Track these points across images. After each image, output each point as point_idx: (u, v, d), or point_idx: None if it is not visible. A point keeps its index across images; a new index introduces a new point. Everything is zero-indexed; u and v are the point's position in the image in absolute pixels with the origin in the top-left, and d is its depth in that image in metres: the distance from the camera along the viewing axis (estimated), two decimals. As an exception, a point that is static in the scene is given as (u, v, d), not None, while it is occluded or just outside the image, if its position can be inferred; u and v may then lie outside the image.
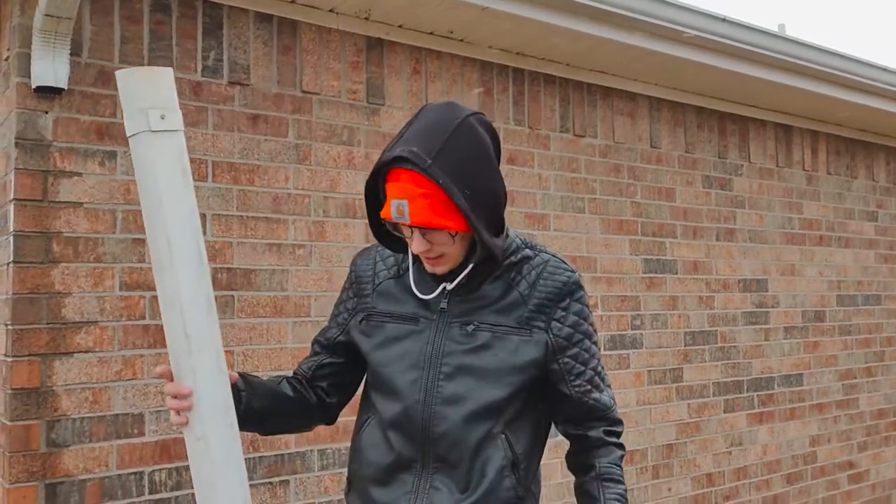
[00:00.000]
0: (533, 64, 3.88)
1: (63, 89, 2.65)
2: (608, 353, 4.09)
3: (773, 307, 4.97)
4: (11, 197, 2.60)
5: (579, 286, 1.62)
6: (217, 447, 1.47)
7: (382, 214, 1.53)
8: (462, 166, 1.47)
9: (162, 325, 2.78)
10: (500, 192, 1.55)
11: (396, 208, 1.48)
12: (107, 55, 2.77)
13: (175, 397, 1.51)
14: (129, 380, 2.73)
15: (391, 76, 3.43)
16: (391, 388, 1.60)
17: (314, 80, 3.21)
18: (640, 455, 4.20)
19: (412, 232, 1.52)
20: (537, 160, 3.90)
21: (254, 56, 3.07)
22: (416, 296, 1.61)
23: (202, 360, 1.48)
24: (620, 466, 1.66)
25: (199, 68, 2.95)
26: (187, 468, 2.79)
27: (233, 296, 2.95)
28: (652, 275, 4.33)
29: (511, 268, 1.60)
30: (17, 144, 2.59)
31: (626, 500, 1.65)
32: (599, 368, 1.65)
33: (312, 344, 1.79)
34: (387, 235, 1.62)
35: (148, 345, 2.77)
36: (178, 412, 1.51)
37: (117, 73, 1.41)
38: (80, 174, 2.69)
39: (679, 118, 4.53)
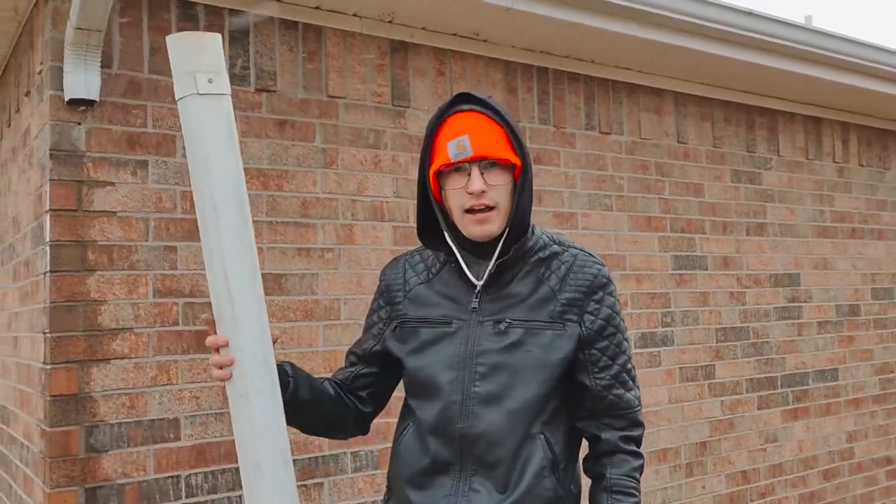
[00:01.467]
0: (557, 62, 3.87)
1: (95, 101, 2.69)
2: (638, 350, 4.07)
3: (805, 302, 4.91)
4: (47, 207, 2.65)
5: (610, 280, 1.61)
6: (257, 402, 1.49)
7: (436, 165, 1.54)
8: (512, 120, 1.58)
9: (195, 332, 2.83)
10: (531, 162, 1.60)
11: (456, 145, 1.49)
12: (136, 66, 2.81)
13: (217, 351, 1.54)
14: (164, 385, 2.77)
15: (416, 78, 3.45)
16: (428, 391, 1.59)
17: (340, 84, 3.23)
18: (674, 453, 4.17)
19: (469, 173, 1.51)
20: (563, 159, 3.89)
21: (280, 62, 3.10)
22: (447, 298, 1.61)
23: (245, 313, 1.49)
24: (634, 478, 1.61)
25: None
26: (223, 472, 2.83)
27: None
28: (682, 271, 4.30)
29: (540, 263, 1.59)
30: (51, 156, 2.64)
31: (638, 487, 1.60)
32: (629, 366, 1.62)
33: (347, 356, 1.79)
34: (428, 237, 1.65)
35: (182, 350, 2.81)
36: (219, 367, 1.53)
37: (168, 37, 1.43)
38: (112, 184, 2.74)
39: (706, 113, 4.49)
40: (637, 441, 1.63)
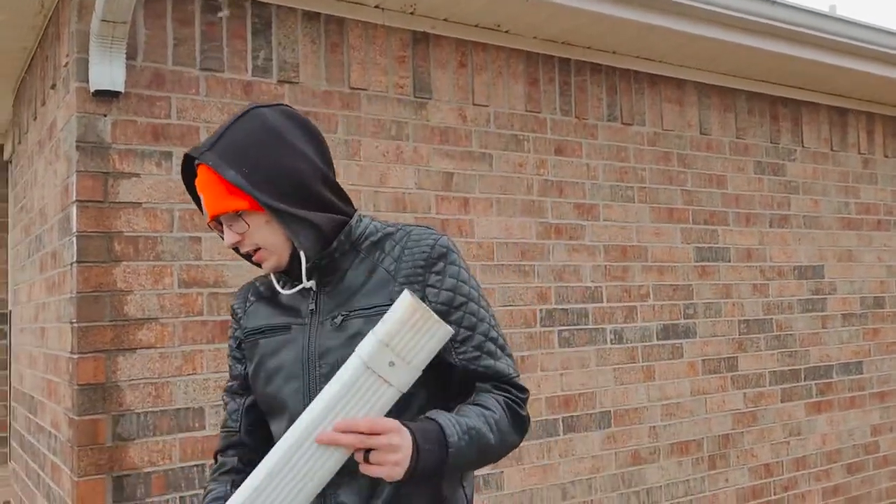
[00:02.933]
0: (579, 53, 3.85)
1: (120, 92, 2.72)
2: (661, 342, 4.05)
3: (830, 294, 4.86)
4: (74, 199, 2.68)
5: (450, 249, 1.47)
6: None
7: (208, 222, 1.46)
8: (237, 148, 1.40)
9: (220, 322, 2.85)
10: (303, 170, 1.41)
11: (204, 208, 1.42)
12: (160, 58, 2.83)
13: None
14: (189, 375, 2.80)
15: (437, 70, 3.44)
16: (275, 407, 1.47)
17: (362, 76, 3.24)
18: (696, 446, 4.15)
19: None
20: (585, 150, 3.88)
21: (302, 54, 3.11)
22: (286, 308, 1.49)
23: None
24: (505, 408, 1.43)
25: (250, 68, 3.00)
26: (247, 460, 2.85)
27: (287, 291, 3.00)
28: (704, 263, 4.27)
29: (373, 248, 1.48)
30: (77, 147, 2.67)
31: (492, 424, 1.39)
32: (493, 334, 1.46)
33: (224, 396, 1.62)
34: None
35: (206, 340, 2.83)
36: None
37: (408, 293, 1.31)
38: (138, 175, 2.76)
39: (729, 104, 4.45)
40: (516, 400, 1.46)
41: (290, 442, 1.25)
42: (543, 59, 3.77)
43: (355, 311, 1.42)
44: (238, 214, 1.40)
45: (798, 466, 4.60)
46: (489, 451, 1.38)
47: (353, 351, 1.35)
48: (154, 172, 2.79)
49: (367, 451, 1.24)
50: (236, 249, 1.49)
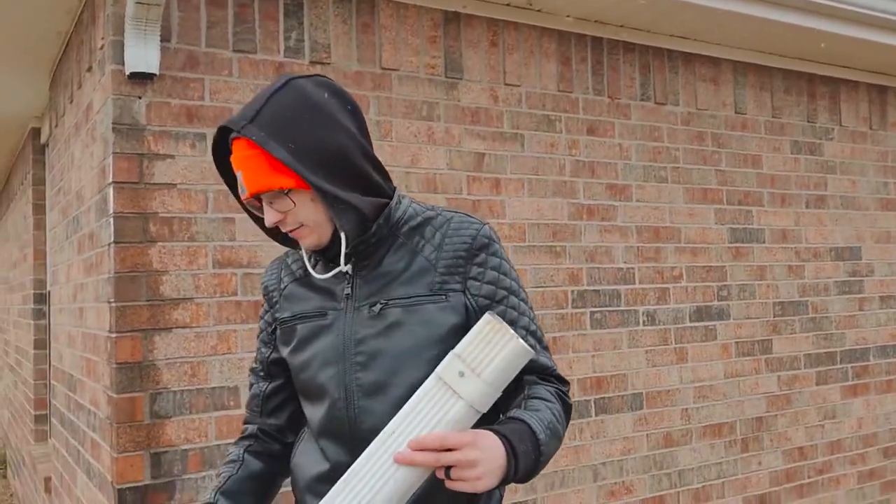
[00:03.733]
0: (611, 32, 3.81)
1: (154, 74, 2.74)
2: (693, 324, 4.02)
3: (867, 276, 4.78)
4: (110, 180, 2.71)
5: (493, 239, 1.43)
6: None
7: (241, 199, 1.40)
8: (280, 122, 1.34)
9: (253, 302, 2.88)
10: (347, 146, 1.36)
11: (240, 185, 1.36)
12: (194, 40, 2.85)
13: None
14: (224, 354, 2.83)
15: (469, 50, 3.43)
16: (313, 392, 1.45)
17: (393, 56, 3.23)
18: (729, 428, 4.12)
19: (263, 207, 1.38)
20: (618, 130, 3.84)
21: (333, 35, 3.11)
22: (321, 290, 1.45)
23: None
24: (559, 399, 1.40)
25: (282, 49, 3.00)
26: (281, 439, 2.89)
27: (320, 272, 3.02)
28: (738, 244, 4.22)
29: (412, 233, 1.43)
30: (113, 129, 2.70)
31: (559, 416, 1.36)
32: (533, 327, 1.43)
33: (249, 377, 1.63)
34: (278, 233, 1.49)
35: (241, 320, 2.87)
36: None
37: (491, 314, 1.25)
38: (172, 156, 2.79)
39: (765, 82, 4.38)
40: (562, 391, 1.43)
41: (366, 452, 1.23)
42: (576, 38, 3.73)
43: (393, 299, 1.39)
44: (284, 192, 1.35)
45: (833, 450, 4.55)
46: (559, 443, 1.36)
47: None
48: (188, 154, 2.81)
49: (449, 467, 1.19)
50: (265, 229, 1.46)
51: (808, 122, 4.56)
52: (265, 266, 2.91)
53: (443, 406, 1.20)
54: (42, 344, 5.24)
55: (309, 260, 1.48)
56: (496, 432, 1.23)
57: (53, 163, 4.48)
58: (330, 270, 1.45)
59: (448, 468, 1.19)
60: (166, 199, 2.77)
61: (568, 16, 3.64)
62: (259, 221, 1.47)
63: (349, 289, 1.43)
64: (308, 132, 1.34)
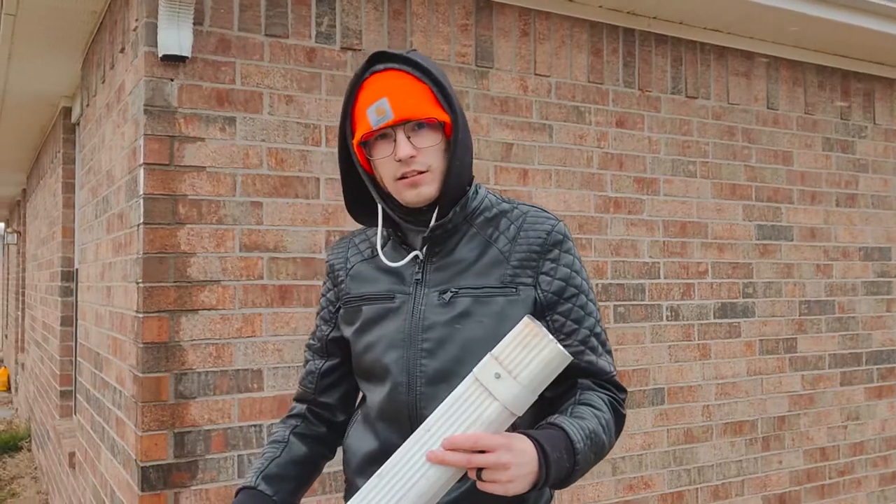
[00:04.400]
0: (644, 23, 3.77)
1: (187, 57, 2.75)
2: (717, 321, 3.99)
3: (896, 277, 4.72)
4: (141, 161, 2.73)
5: (567, 237, 1.43)
6: None
7: (359, 136, 1.37)
8: (436, 67, 1.38)
9: (279, 286, 2.89)
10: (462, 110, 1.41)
11: (376, 110, 1.33)
12: (226, 23, 2.86)
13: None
14: (248, 337, 2.86)
15: (500, 39, 3.41)
16: (374, 374, 1.45)
17: (424, 43, 3.22)
18: (750, 426, 4.10)
19: (395, 139, 1.35)
20: (647, 123, 3.81)
21: (365, 21, 3.11)
22: (389, 272, 1.45)
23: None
24: (610, 408, 1.38)
25: (313, 34, 3.00)
26: (303, 422, 2.91)
27: (345, 258, 3.03)
28: (766, 241, 4.18)
29: (487, 224, 1.43)
30: (145, 111, 2.72)
31: (606, 426, 1.34)
32: (598, 329, 1.43)
33: (305, 352, 1.62)
34: (360, 212, 1.50)
35: (266, 304, 2.88)
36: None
37: (530, 317, 1.24)
38: (202, 139, 2.80)
39: (798, 77, 4.32)
40: (617, 399, 1.42)
41: (402, 448, 1.24)
42: (608, 30, 3.69)
43: (464, 288, 1.38)
44: (435, 125, 1.36)
45: (855, 451, 4.51)
46: (603, 452, 1.35)
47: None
48: (218, 137, 2.83)
49: (481, 468, 1.19)
50: (348, 197, 1.47)
51: (842, 118, 4.49)
52: (291, 250, 2.92)
53: (478, 407, 1.20)
54: (69, 321, 5.31)
55: (380, 242, 1.48)
56: (530, 437, 1.23)
57: (84, 142, 4.52)
58: (401, 253, 1.44)
59: (480, 469, 1.18)
60: (196, 182, 2.79)
61: (600, 6, 3.61)
62: (349, 180, 1.47)
63: (419, 274, 1.42)
64: (452, 87, 1.39)
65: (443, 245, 1.42)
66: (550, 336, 1.20)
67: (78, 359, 4.63)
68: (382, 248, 1.47)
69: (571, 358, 1.24)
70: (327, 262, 1.58)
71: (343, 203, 3.01)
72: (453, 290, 1.38)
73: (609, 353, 1.45)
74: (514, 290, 1.38)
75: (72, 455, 4.36)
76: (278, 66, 2.94)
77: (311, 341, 1.60)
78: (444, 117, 1.36)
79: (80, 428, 4.35)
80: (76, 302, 4.94)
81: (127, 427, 2.92)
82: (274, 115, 2.93)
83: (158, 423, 2.71)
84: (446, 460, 1.18)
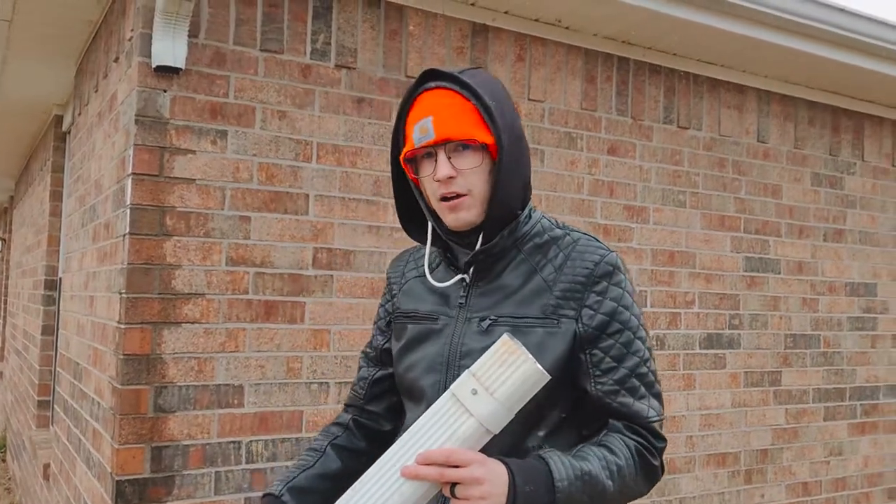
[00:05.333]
0: (639, 53, 3.80)
1: (181, 69, 2.75)
2: (703, 351, 3.99)
3: (881, 313, 4.73)
4: (130, 171, 2.72)
5: (617, 269, 1.36)
6: None
7: (404, 152, 1.38)
8: (486, 87, 1.35)
9: (264, 302, 2.87)
10: (524, 138, 1.39)
11: (420, 128, 1.33)
12: (222, 37, 2.85)
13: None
14: (231, 352, 2.83)
15: (495, 62, 3.42)
16: (414, 394, 1.43)
17: (419, 64, 3.23)
18: (733, 458, 4.08)
19: (436, 160, 1.34)
20: (639, 151, 3.82)
21: (361, 40, 3.11)
22: (438, 293, 1.43)
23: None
24: (634, 454, 1.31)
25: (308, 51, 3.01)
26: (283, 440, 2.88)
27: (332, 275, 3.01)
28: (753, 273, 4.19)
29: (536, 251, 1.38)
30: (136, 121, 2.71)
31: (614, 470, 1.28)
32: (642, 370, 1.34)
33: (360, 358, 1.63)
34: (414, 228, 1.49)
35: (250, 319, 2.86)
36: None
37: (509, 335, 1.23)
38: (193, 151, 2.79)
39: (790, 112, 4.36)
40: (651, 448, 1.34)
41: (378, 462, 1.23)
42: (602, 58, 3.72)
43: (504, 317, 1.34)
44: (477, 147, 1.33)
45: (837, 487, 4.50)
46: (605, 499, 1.27)
47: None
48: (209, 150, 2.82)
49: (454, 484, 1.17)
50: (401, 211, 1.45)
51: (831, 154, 4.53)
52: (278, 266, 2.91)
53: (454, 423, 1.19)
54: (50, 330, 5.25)
55: (430, 262, 1.47)
56: (505, 463, 1.20)
57: (74, 150, 4.50)
58: (450, 274, 1.43)
59: (454, 486, 1.17)
60: (184, 194, 2.77)
61: (595, 34, 3.64)
62: (404, 194, 1.46)
63: (464, 298, 1.40)
64: (507, 106, 1.36)
65: (489, 270, 1.39)
66: (528, 354, 1.18)
67: (57, 369, 4.57)
68: (436, 267, 1.47)
69: (549, 377, 1.21)
70: (387, 274, 1.59)
71: (331, 221, 3.02)
72: (493, 317, 1.35)
73: (656, 396, 1.37)
74: (555, 321, 1.33)
75: (46, 466, 4.29)
76: (272, 81, 2.94)
77: (367, 349, 1.60)
78: (488, 139, 1.33)
79: (57, 439, 4.29)
80: (58, 311, 4.89)
81: (104, 439, 2.87)
82: (266, 130, 2.92)
83: (136, 436, 2.67)
84: (420, 474, 1.17)
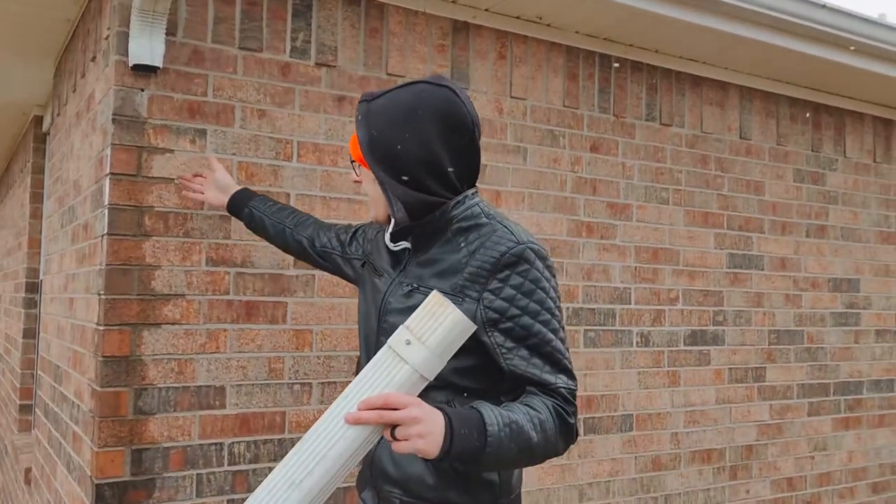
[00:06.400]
0: (620, 50, 3.80)
1: (158, 67, 2.72)
2: (687, 348, 3.99)
3: (864, 308, 4.76)
4: (107, 171, 2.69)
5: (524, 259, 1.50)
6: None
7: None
8: (381, 112, 1.60)
9: (245, 302, 2.85)
10: (413, 152, 1.57)
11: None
12: (200, 35, 2.83)
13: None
14: (212, 353, 2.80)
15: (476, 60, 3.41)
16: (359, 334, 1.76)
17: (400, 62, 3.21)
18: (718, 455, 4.09)
19: None
20: (622, 148, 3.82)
21: (341, 38, 3.09)
22: (392, 254, 1.70)
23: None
24: (553, 413, 1.44)
25: (288, 49, 2.98)
26: (265, 442, 2.86)
27: (314, 275, 2.99)
28: (737, 270, 4.20)
29: (459, 233, 1.58)
30: (114, 121, 2.67)
31: (536, 424, 1.40)
32: (545, 350, 1.49)
33: (335, 228, 2.17)
34: None
35: (231, 320, 2.83)
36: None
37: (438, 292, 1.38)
38: (171, 151, 2.76)
39: (771, 109, 4.37)
40: (565, 409, 1.47)
41: (323, 415, 1.35)
42: (584, 55, 3.71)
43: (423, 287, 1.54)
44: (355, 164, 1.72)
45: (822, 482, 4.51)
46: (531, 449, 1.40)
47: (406, 320, 1.46)
48: (188, 149, 2.79)
49: (394, 428, 1.30)
50: None
51: (813, 151, 4.55)
52: (259, 266, 2.89)
53: (390, 371, 1.32)
54: (31, 333, 5.20)
55: (391, 227, 1.72)
56: (441, 409, 1.34)
57: (53, 151, 4.46)
58: (397, 246, 1.70)
59: (394, 430, 1.29)
60: (163, 194, 2.74)
61: (577, 31, 3.63)
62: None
63: (403, 265, 1.65)
64: (391, 129, 1.58)
65: (424, 243, 1.61)
66: (455, 307, 1.33)
67: (38, 372, 4.53)
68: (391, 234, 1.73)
69: (476, 326, 1.37)
70: (368, 225, 2.03)
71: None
72: (414, 285, 1.56)
73: (564, 372, 1.52)
74: (459, 299, 1.51)
75: (28, 471, 4.25)
76: (252, 80, 2.91)
77: (341, 230, 2.14)
78: (359, 158, 1.68)
79: (38, 443, 4.24)
80: (39, 314, 4.84)
81: (83, 442, 2.84)
82: (246, 129, 2.90)
83: (115, 439, 2.64)
84: (361, 419, 1.28)
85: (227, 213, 2.84)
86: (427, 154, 1.56)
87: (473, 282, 1.51)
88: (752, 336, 4.24)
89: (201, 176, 2.69)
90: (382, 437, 1.46)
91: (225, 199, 2.56)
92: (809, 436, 4.47)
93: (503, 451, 1.35)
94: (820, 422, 4.52)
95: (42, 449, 4.00)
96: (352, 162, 1.75)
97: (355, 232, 2.10)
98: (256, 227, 2.46)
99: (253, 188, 2.88)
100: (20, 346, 5.29)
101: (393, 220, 1.65)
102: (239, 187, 2.57)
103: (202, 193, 2.63)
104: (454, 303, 1.46)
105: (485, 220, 1.58)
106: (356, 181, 1.77)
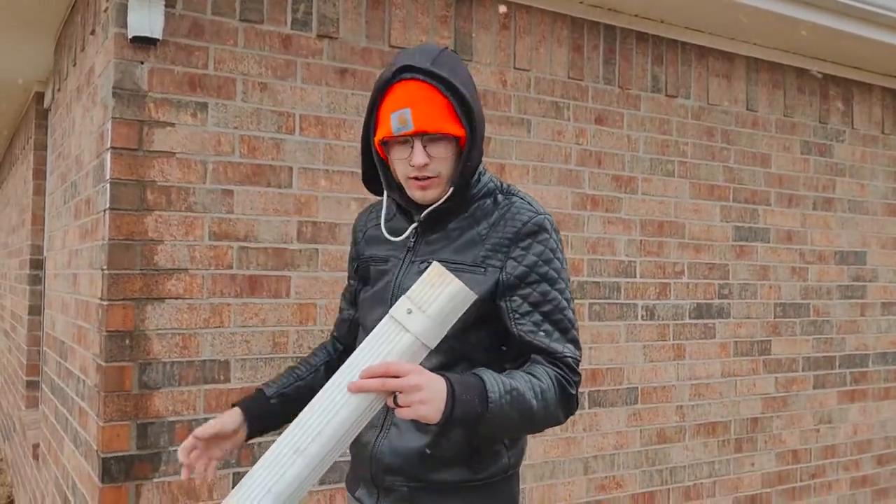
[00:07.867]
0: (625, 21, 3.75)
1: (158, 40, 2.69)
2: (693, 321, 3.98)
3: (870, 281, 4.73)
4: (108, 146, 2.67)
5: (543, 228, 1.52)
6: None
7: (380, 135, 1.50)
8: (462, 80, 1.49)
9: (248, 276, 2.84)
10: (484, 120, 1.55)
11: (398, 118, 1.45)
12: (200, 7, 2.79)
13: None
14: (216, 327, 2.80)
15: (479, 31, 3.37)
16: (366, 326, 1.59)
17: (402, 34, 3.17)
18: (723, 427, 4.09)
19: (412, 146, 1.48)
20: (627, 121, 3.78)
21: (343, 9, 3.06)
22: (387, 238, 1.62)
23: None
24: (554, 382, 1.44)
25: (289, 21, 2.95)
26: (271, 416, 2.86)
27: (317, 249, 2.98)
28: (742, 243, 4.18)
29: (478, 209, 1.56)
30: (114, 94, 2.65)
31: (538, 391, 1.40)
32: (557, 317, 1.50)
33: (341, 299, 1.82)
34: (374, 179, 1.64)
35: (235, 294, 2.83)
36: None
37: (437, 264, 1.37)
38: (172, 124, 2.74)
39: (778, 80, 4.32)
40: (568, 379, 1.47)
41: (326, 385, 1.35)
42: (589, 26, 3.67)
43: (441, 261, 1.46)
44: (450, 139, 1.49)
45: (826, 455, 4.52)
46: (532, 417, 1.40)
47: None
48: (189, 123, 2.77)
49: (397, 396, 1.29)
50: (365, 172, 1.61)
51: (820, 122, 4.50)
52: (262, 240, 2.87)
53: (392, 339, 1.33)
54: (36, 310, 5.21)
55: (387, 213, 1.63)
56: (443, 375, 1.33)
57: (55, 127, 4.44)
58: (405, 223, 1.60)
59: (396, 398, 1.29)
60: (165, 168, 2.73)
61: (582, 2, 3.58)
62: (367, 158, 1.61)
63: (412, 243, 1.58)
64: (475, 97, 1.51)
65: (438, 221, 1.56)
66: (455, 277, 1.34)
67: (44, 348, 4.54)
68: (392, 217, 1.64)
69: (476, 296, 1.37)
70: (353, 227, 1.78)
71: (315, 194, 2.98)
72: (430, 260, 1.48)
73: (572, 342, 1.52)
74: (482, 270, 1.50)
75: (36, 446, 4.27)
76: (253, 53, 2.88)
77: (345, 293, 1.80)
78: (460, 132, 1.48)
79: (45, 418, 4.26)
80: (44, 290, 4.84)
81: (89, 417, 2.85)
82: (247, 102, 2.87)
83: (121, 413, 2.65)
84: (363, 387, 1.29)
85: (229, 187, 2.82)
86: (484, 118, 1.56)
87: (496, 252, 1.51)
88: (757, 309, 4.23)
89: (195, 448, 1.74)
90: (380, 438, 1.52)
91: (238, 419, 1.67)
92: (815, 409, 4.47)
93: (504, 418, 1.36)
94: (825, 395, 4.52)
95: (49, 424, 4.02)
96: (422, 136, 1.47)
97: (354, 272, 1.78)
98: (301, 399, 1.54)
99: (253, 195, 2.86)
100: (26, 323, 5.30)
101: (433, 199, 1.52)
102: (234, 406, 1.70)
103: (209, 460, 1.74)
104: (476, 273, 1.49)
105: (499, 194, 1.58)
106: (423, 165, 1.47)
